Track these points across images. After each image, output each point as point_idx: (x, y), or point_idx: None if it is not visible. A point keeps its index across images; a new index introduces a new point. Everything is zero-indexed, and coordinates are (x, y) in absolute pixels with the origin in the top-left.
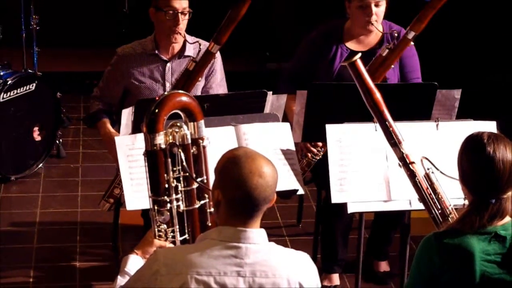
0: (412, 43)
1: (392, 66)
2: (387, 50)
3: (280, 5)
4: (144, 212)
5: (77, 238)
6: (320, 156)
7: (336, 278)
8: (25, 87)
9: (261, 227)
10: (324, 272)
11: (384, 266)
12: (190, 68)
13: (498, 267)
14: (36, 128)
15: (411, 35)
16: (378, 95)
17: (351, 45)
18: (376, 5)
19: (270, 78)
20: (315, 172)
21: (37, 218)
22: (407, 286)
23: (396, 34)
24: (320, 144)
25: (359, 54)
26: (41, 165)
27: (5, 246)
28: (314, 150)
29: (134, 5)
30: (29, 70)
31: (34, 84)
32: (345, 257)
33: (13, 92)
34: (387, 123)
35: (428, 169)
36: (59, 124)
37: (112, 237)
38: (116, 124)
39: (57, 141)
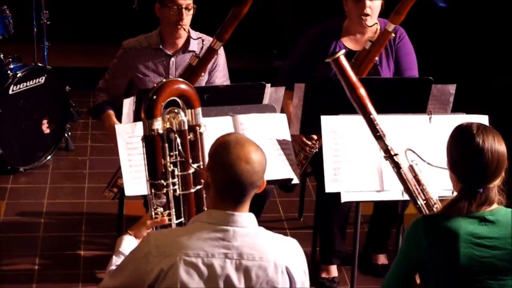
0: (408, 39)
1: (376, 58)
2: (369, 43)
3: (287, 2)
4: (146, 202)
5: (82, 228)
6: (317, 149)
7: (334, 270)
8: (35, 80)
9: (263, 220)
10: (322, 263)
11: (382, 259)
12: (193, 64)
13: (488, 251)
14: (45, 121)
15: (391, 27)
16: (361, 90)
17: (349, 43)
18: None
19: (276, 75)
20: (315, 165)
21: (44, 209)
22: (394, 268)
23: (378, 28)
24: (315, 137)
25: (343, 51)
26: (49, 157)
27: (12, 235)
28: (309, 143)
29: (143, 1)
30: (39, 64)
31: (44, 78)
32: (343, 249)
33: (23, 85)
34: (371, 117)
35: (412, 161)
36: (68, 118)
37: (117, 227)
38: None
39: (66, 134)
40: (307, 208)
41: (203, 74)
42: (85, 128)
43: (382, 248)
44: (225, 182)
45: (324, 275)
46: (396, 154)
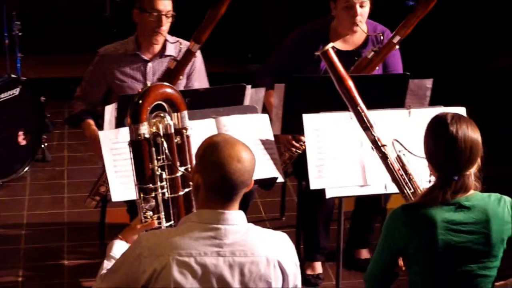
0: (397, 46)
1: (377, 68)
2: (372, 53)
3: (262, 6)
4: (130, 208)
5: (64, 238)
6: (302, 150)
7: (318, 266)
8: (9, 92)
9: None
10: (307, 260)
11: (365, 254)
12: (172, 67)
13: (464, 236)
14: (21, 133)
15: (396, 39)
16: (350, 82)
17: (337, 44)
18: (361, 6)
19: (252, 79)
20: (295, 164)
21: (24, 220)
22: (375, 257)
23: (381, 37)
24: (303, 138)
25: (331, 44)
26: (26, 169)
27: None
28: (297, 144)
29: (115, 10)
30: (13, 76)
31: (18, 89)
32: (327, 246)
33: None
34: (358, 108)
35: (399, 151)
36: (44, 129)
37: (99, 235)
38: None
39: (42, 145)
40: (288, 208)
41: (181, 77)
42: (61, 138)
43: (365, 243)
44: (217, 181)
45: (309, 272)
46: (384, 145)
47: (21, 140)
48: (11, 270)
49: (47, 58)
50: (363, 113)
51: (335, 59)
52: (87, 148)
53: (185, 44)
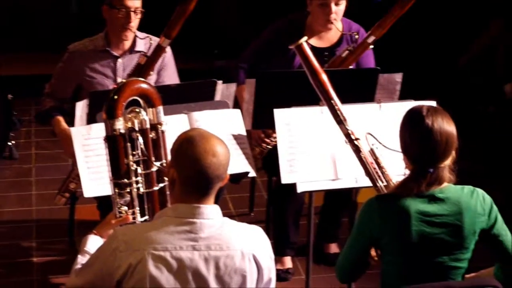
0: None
1: (351, 67)
2: (347, 51)
3: (227, 2)
4: (100, 204)
5: (33, 235)
6: (273, 145)
7: (288, 261)
8: None
9: None
10: (276, 255)
11: (334, 248)
12: (142, 63)
13: (438, 228)
14: None
15: (371, 39)
16: (323, 75)
17: (312, 41)
18: (336, 4)
19: (219, 75)
20: (265, 159)
21: None
22: (347, 247)
23: (356, 36)
24: (274, 134)
25: (305, 38)
26: None
27: None
28: (267, 140)
29: (82, 6)
30: None
31: None
32: (296, 241)
33: None
34: (332, 101)
35: (372, 144)
36: (11, 126)
37: (68, 232)
38: (71, 120)
39: (9, 143)
40: (257, 203)
41: (151, 73)
42: (28, 136)
43: (333, 237)
44: (192, 175)
45: (278, 266)
46: (357, 139)
47: None
48: None
49: (14, 56)
50: (336, 107)
51: (309, 53)
52: (55, 146)
53: (155, 40)
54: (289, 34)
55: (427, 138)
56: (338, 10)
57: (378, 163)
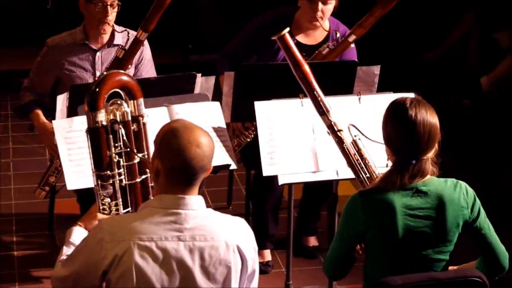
0: (352, 45)
1: None
2: (327, 49)
3: None
4: (80, 197)
5: (13, 229)
6: (251, 138)
7: (268, 254)
8: None
9: None
10: None
11: (313, 241)
12: (120, 56)
13: (421, 221)
14: None
15: (352, 38)
16: (306, 67)
17: (299, 37)
18: (324, 3)
19: (193, 70)
20: (243, 152)
21: None
22: (334, 244)
23: (337, 35)
24: (253, 127)
25: (288, 29)
26: None
27: None
28: (246, 132)
29: (57, 1)
30: None
31: None
32: (276, 233)
33: None
34: (315, 93)
35: (355, 136)
36: None
37: (48, 226)
38: (50, 114)
39: None
40: (235, 197)
41: (130, 66)
42: (5, 130)
43: (312, 230)
44: (177, 166)
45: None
46: (340, 130)
47: None
48: None
49: None
50: (319, 98)
51: (292, 44)
52: (32, 140)
53: (132, 33)
54: (273, 28)
55: (410, 129)
56: (325, 9)
57: (361, 155)
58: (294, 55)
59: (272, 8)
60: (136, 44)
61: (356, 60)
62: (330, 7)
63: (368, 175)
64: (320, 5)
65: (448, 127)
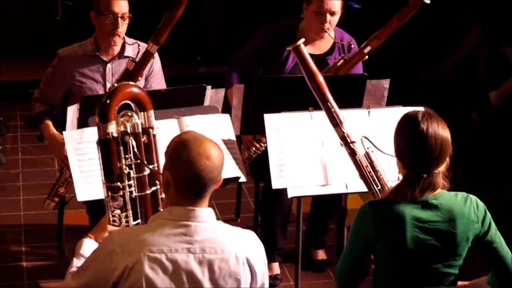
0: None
1: None
2: (342, 60)
3: (210, 9)
4: (90, 209)
5: (22, 240)
6: (262, 151)
7: (276, 267)
8: None
9: None
10: None
11: (321, 254)
12: (130, 68)
13: (430, 234)
14: None
15: (367, 49)
16: (320, 77)
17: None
18: (332, 14)
19: (202, 82)
20: (252, 165)
21: None
22: (344, 254)
23: (353, 46)
24: (264, 140)
25: (303, 39)
26: None
27: None
28: (257, 145)
29: (68, 13)
30: None
31: None
32: (284, 246)
33: None
34: (329, 104)
35: (368, 148)
36: None
37: (57, 237)
38: (60, 125)
39: None
40: (243, 209)
41: (140, 78)
42: (14, 141)
43: (321, 243)
44: (187, 178)
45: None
46: (353, 142)
47: None
48: None
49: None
50: (333, 109)
51: (306, 54)
52: (41, 151)
53: (143, 46)
54: (282, 39)
55: (422, 143)
56: (332, 20)
57: (373, 167)
58: (309, 66)
59: (278, 20)
60: (147, 56)
61: (362, 71)
62: (336, 18)
63: (380, 187)
64: (328, 17)
65: (456, 141)
